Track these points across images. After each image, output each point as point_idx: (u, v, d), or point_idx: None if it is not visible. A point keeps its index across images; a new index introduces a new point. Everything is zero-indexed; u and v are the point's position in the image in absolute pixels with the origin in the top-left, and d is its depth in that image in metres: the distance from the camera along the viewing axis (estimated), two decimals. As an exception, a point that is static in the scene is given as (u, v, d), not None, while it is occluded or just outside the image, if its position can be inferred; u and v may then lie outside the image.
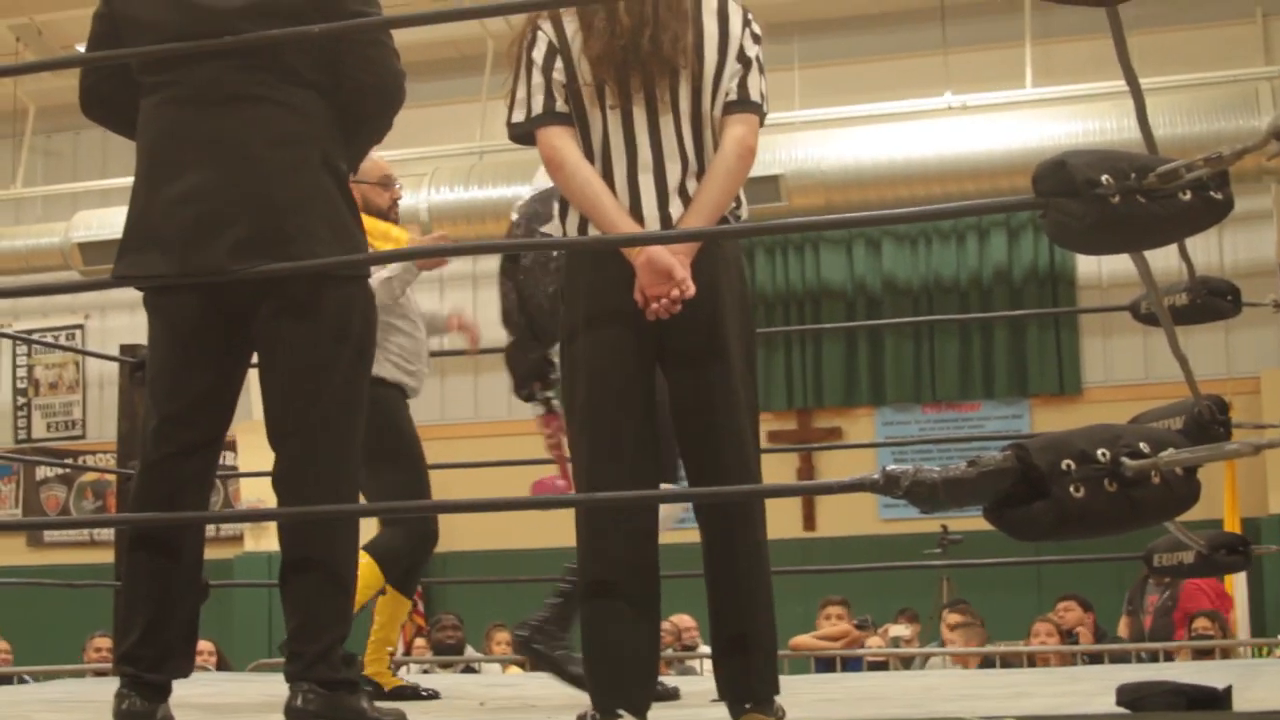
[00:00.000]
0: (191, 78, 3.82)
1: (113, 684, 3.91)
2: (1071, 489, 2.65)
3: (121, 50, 3.89)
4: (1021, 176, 11.74)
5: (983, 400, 14.19)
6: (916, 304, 14.26)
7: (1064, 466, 2.65)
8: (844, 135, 13.17)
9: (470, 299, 14.63)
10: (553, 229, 4.95)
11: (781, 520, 13.49)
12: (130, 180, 3.96)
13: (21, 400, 16.67)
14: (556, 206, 3.91)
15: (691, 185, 3.77)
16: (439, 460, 5.72)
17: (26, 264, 14.99)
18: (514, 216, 5.53)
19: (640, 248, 3.62)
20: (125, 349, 6.89)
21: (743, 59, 3.82)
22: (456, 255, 5.37)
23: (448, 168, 13.91)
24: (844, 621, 10.46)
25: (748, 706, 3.67)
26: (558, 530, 13.91)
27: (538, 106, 3.80)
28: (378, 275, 5.24)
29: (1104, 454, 2.66)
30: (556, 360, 5.23)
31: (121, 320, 15.70)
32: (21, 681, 9.21)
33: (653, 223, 3.73)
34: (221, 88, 3.80)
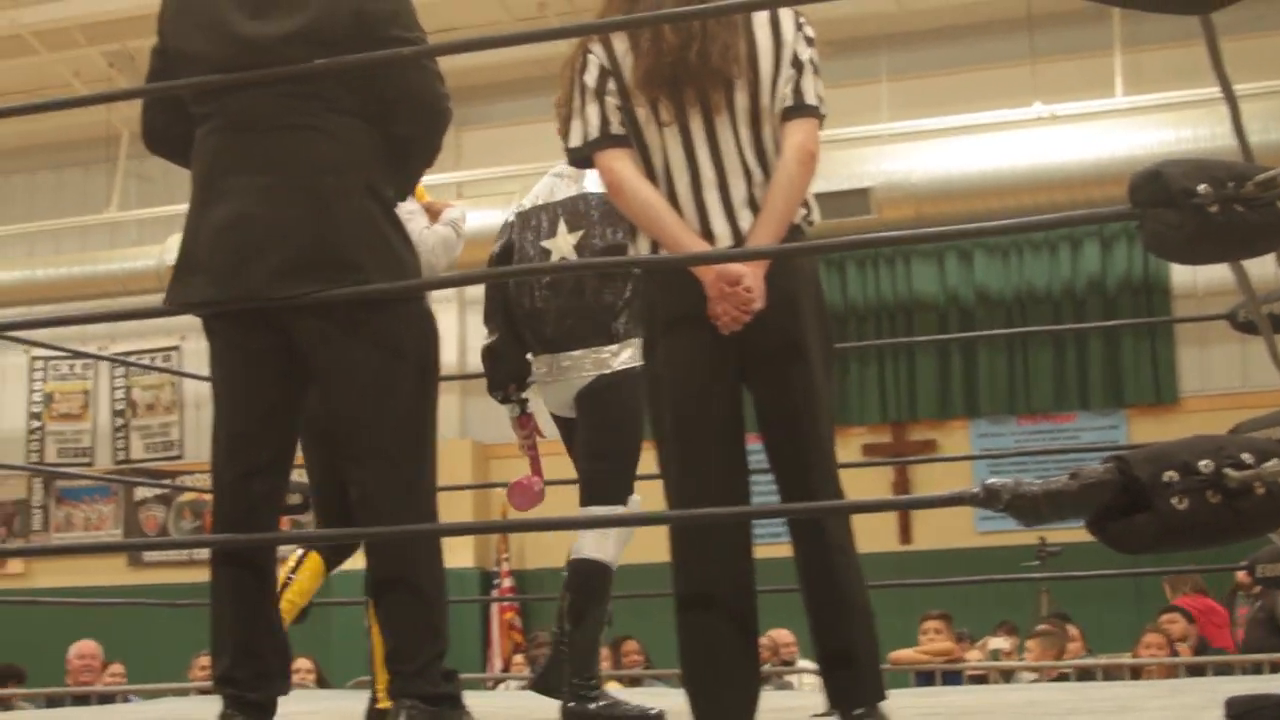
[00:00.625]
0: (237, 107, 3.89)
1: (216, 702, 3.95)
2: (1174, 501, 2.62)
3: (200, 79, 3.92)
4: (1112, 186, 11.79)
5: (1078, 411, 14.07)
6: (1009, 315, 14.16)
7: (1166, 478, 2.63)
8: (933, 147, 13.12)
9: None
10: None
11: (878, 534, 13.43)
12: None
13: (120, 422, 16.83)
14: (625, 231, 3.91)
15: (758, 196, 3.76)
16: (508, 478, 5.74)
17: (123, 287, 15.15)
18: (510, 217, 5.54)
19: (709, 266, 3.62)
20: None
21: (796, 64, 3.81)
22: (513, 277, 5.36)
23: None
24: (943, 636, 10.38)
25: (857, 713, 3.65)
26: (652, 546, 13.87)
27: (594, 130, 3.80)
28: (434, 234, 5.25)
29: (1207, 465, 2.64)
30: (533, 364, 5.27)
31: (217, 342, 15.81)
32: (126, 700, 9.30)
33: (723, 238, 3.73)
34: (266, 116, 3.86)
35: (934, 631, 10.35)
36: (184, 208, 12.52)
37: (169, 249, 14.87)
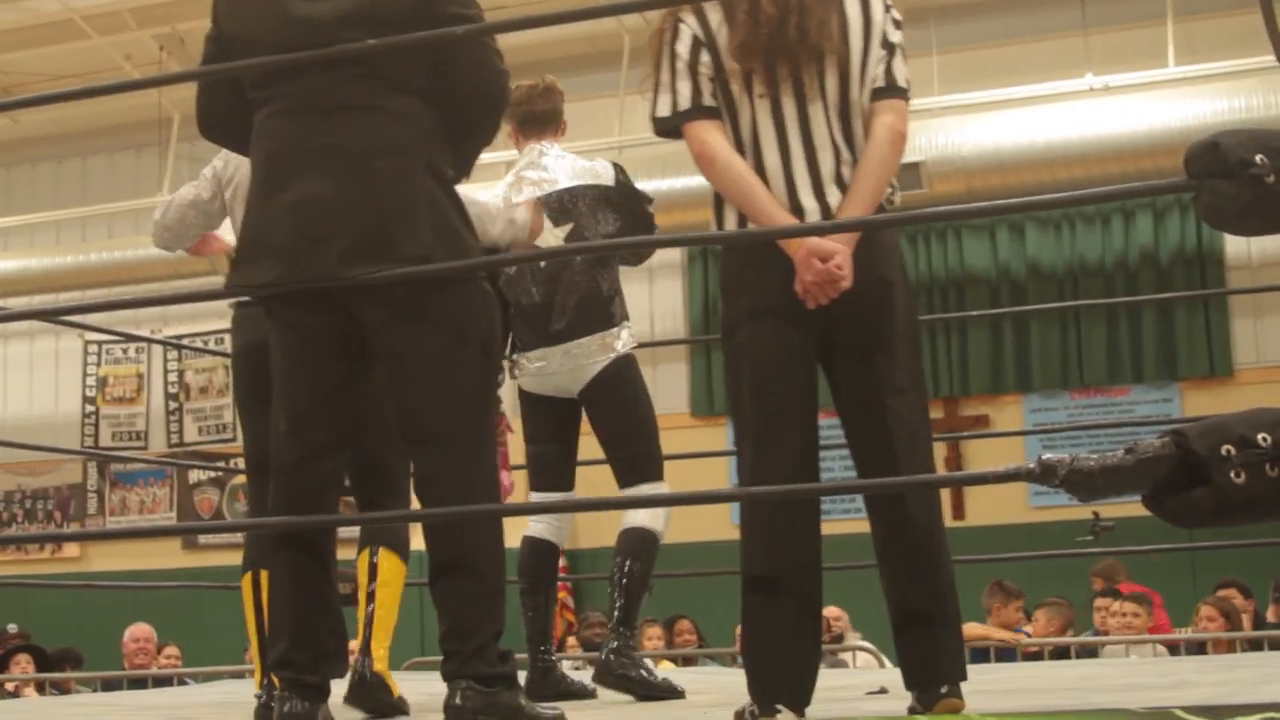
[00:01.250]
0: (297, 89, 3.88)
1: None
2: (1232, 474, 2.61)
3: (254, 60, 3.91)
4: (1166, 157, 11.71)
5: (1132, 384, 13.99)
6: (1062, 288, 14.09)
7: (1224, 452, 2.61)
8: (984, 120, 13.04)
9: (646, 291, 14.72)
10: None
11: (930, 510, 13.37)
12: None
13: (173, 405, 16.91)
14: (712, 200, 3.88)
15: (845, 173, 3.75)
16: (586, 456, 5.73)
17: (175, 270, 15.20)
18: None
19: (799, 238, 3.61)
20: (274, 352, 6.96)
21: (887, 45, 3.81)
22: (585, 253, 5.36)
23: (665, 152, 13.92)
24: (1018, 613, 10.30)
25: (944, 690, 3.59)
26: (704, 524, 13.95)
27: (684, 100, 3.79)
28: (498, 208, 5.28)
29: (1265, 438, 2.62)
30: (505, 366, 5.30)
31: (269, 324, 15.87)
32: (182, 683, 9.35)
33: (812, 213, 3.71)
34: (327, 98, 3.86)
35: (997, 607, 10.27)
36: (235, 191, 12.37)
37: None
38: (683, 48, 3.80)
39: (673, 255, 15.02)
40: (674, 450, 6.86)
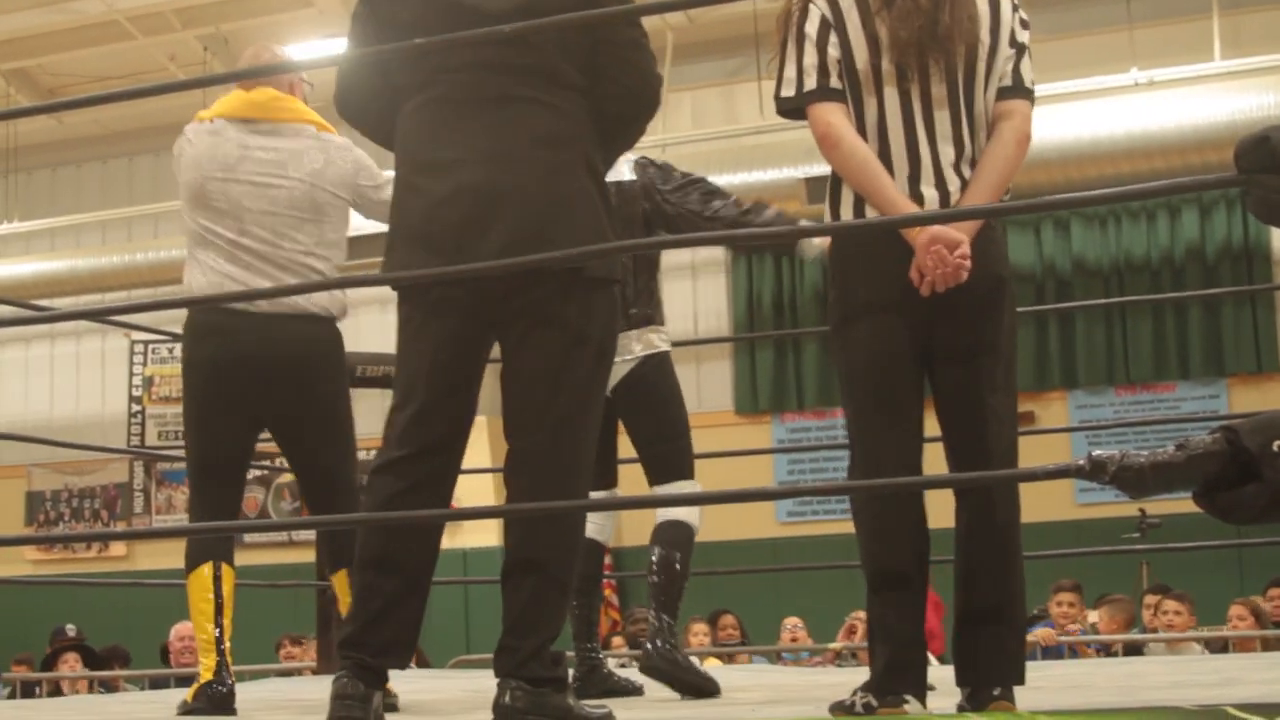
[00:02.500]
0: (456, 79, 3.84)
1: (320, 683, 3.94)
2: (1284, 471, 2.58)
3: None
4: (1212, 152, 11.66)
5: (1178, 381, 13.93)
6: (1107, 284, 14.03)
7: (1276, 448, 2.59)
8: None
9: (689, 289, 14.73)
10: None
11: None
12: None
13: (219, 404, 16.95)
14: (828, 187, 3.86)
15: (965, 169, 3.74)
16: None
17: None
18: None
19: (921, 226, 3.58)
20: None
21: (1015, 44, 3.82)
22: (698, 245, 5.33)
23: (726, 149, 14.04)
24: (1077, 608, 10.21)
25: (996, 693, 3.58)
26: (748, 523, 13.96)
27: (811, 82, 3.76)
28: None
29: (1316, 434, 2.60)
30: None
31: (314, 323, 15.92)
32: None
33: (931, 202, 3.69)
34: (485, 89, 3.82)
35: (1068, 604, 10.20)
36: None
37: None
38: (811, 29, 3.76)
39: (716, 253, 15.01)
40: (718, 448, 6.88)
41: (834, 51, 3.74)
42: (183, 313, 5.17)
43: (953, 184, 3.71)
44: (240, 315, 4.93)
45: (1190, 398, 13.89)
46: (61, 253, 16.61)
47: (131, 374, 17.22)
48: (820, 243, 5.19)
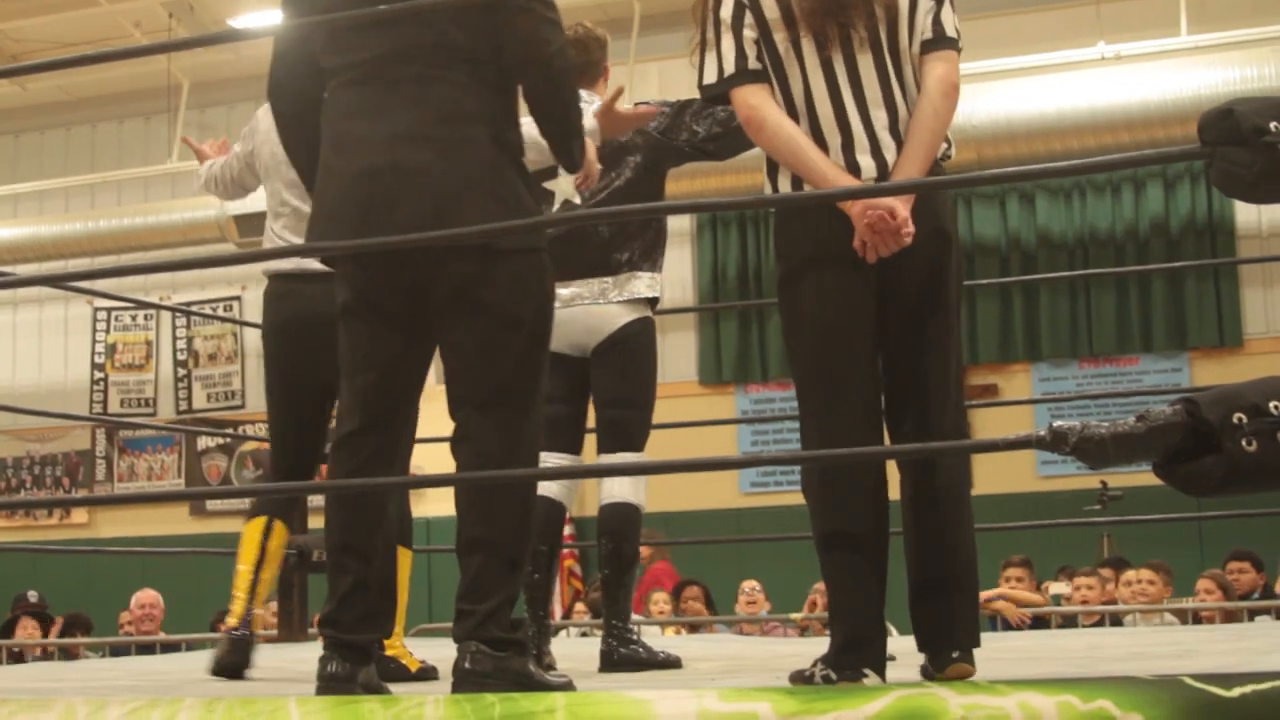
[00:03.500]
0: (365, 60, 3.88)
1: (275, 650, 3.95)
2: (1244, 443, 2.60)
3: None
4: (1178, 126, 11.68)
5: (1141, 354, 13.99)
6: (1072, 258, 14.09)
7: (1235, 420, 2.61)
8: (995, 89, 12.98)
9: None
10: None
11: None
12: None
13: (182, 372, 16.94)
14: (764, 168, 3.86)
15: (901, 130, 3.73)
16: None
17: (184, 237, 15.23)
18: None
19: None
20: (283, 319, 6.94)
21: None
22: (644, 215, 5.28)
23: None
24: (1025, 585, 10.22)
25: (955, 655, 3.63)
26: (711, 493, 13.97)
27: (730, 66, 3.77)
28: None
29: (1276, 406, 2.61)
30: None
31: (278, 291, 15.89)
32: (189, 649, 9.37)
33: (868, 171, 3.69)
34: (393, 69, 3.85)
35: (1015, 580, 10.23)
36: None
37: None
38: (726, 12, 3.77)
39: (682, 223, 15.01)
40: (682, 418, 6.88)
41: (750, 32, 3.75)
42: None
43: (888, 150, 3.72)
44: (305, 280, 5.05)
45: (1153, 370, 13.95)
46: (24, 219, 16.53)
47: (94, 341, 17.18)
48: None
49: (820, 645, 3.83)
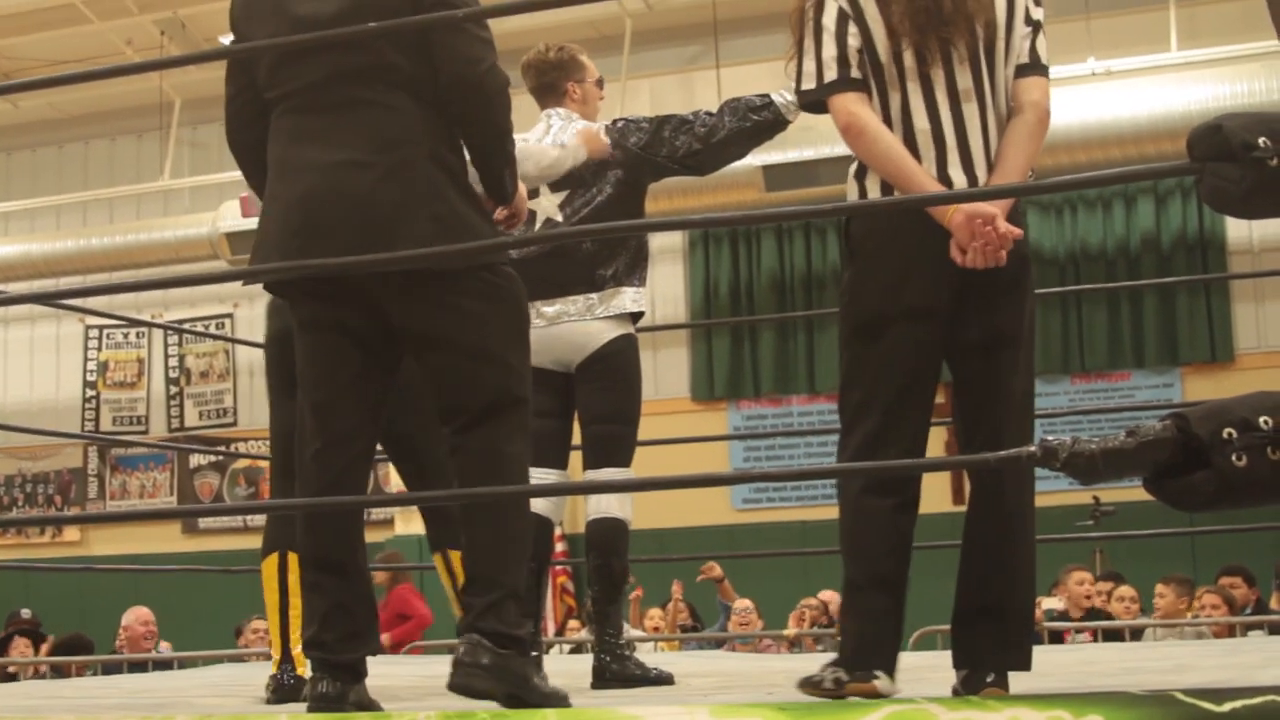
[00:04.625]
0: (299, 87, 3.92)
1: (266, 668, 3.94)
2: (1234, 458, 2.60)
3: (244, 45, 3.98)
4: (1168, 142, 11.70)
5: (1133, 370, 14.00)
6: (1063, 273, 14.09)
7: (1225, 435, 2.61)
8: (986, 105, 13.02)
9: (646, 275, 14.67)
10: None
11: (930, 495, 13.31)
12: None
13: (174, 389, 16.93)
14: (852, 172, 3.84)
15: (993, 148, 3.74)
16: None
17: (176, 254, 15.24)
18: None
19: (955, 205, 3.57)
20: (275, 337, 6.95)
21: (1030, 21, 3.81)
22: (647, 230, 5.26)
23: None
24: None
25: (990, 679, 3.58)
26: (704, 509, 13.92)
27: (831, 73, 3.75)
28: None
29: (1266, 421, 2.62)
30: None
31: (269, 308, 15.89)
32: (182, 667, 9.35)
33: (960, 186, 3.68)
34: (327, 95, 3.88)
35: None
36: (236, 174, 12.64)
37: (222, 216, 14.96)
38: (829, 20, 3.76)
39: (674, 240, 15.03)
40: (674, 434, 6.89)
41: (854, 41, 3.74)
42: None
43: (980, 168, 3.71)
44: None
45: (1145, 386, 13.96)
46: (16, 237, 16.52)
47: (86, 359, 17.16)
48: (793, 99, 5.13)
49: (813, 660, 3.82)
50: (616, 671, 5.09)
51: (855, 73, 3.74)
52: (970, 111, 3.72)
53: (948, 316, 3.70)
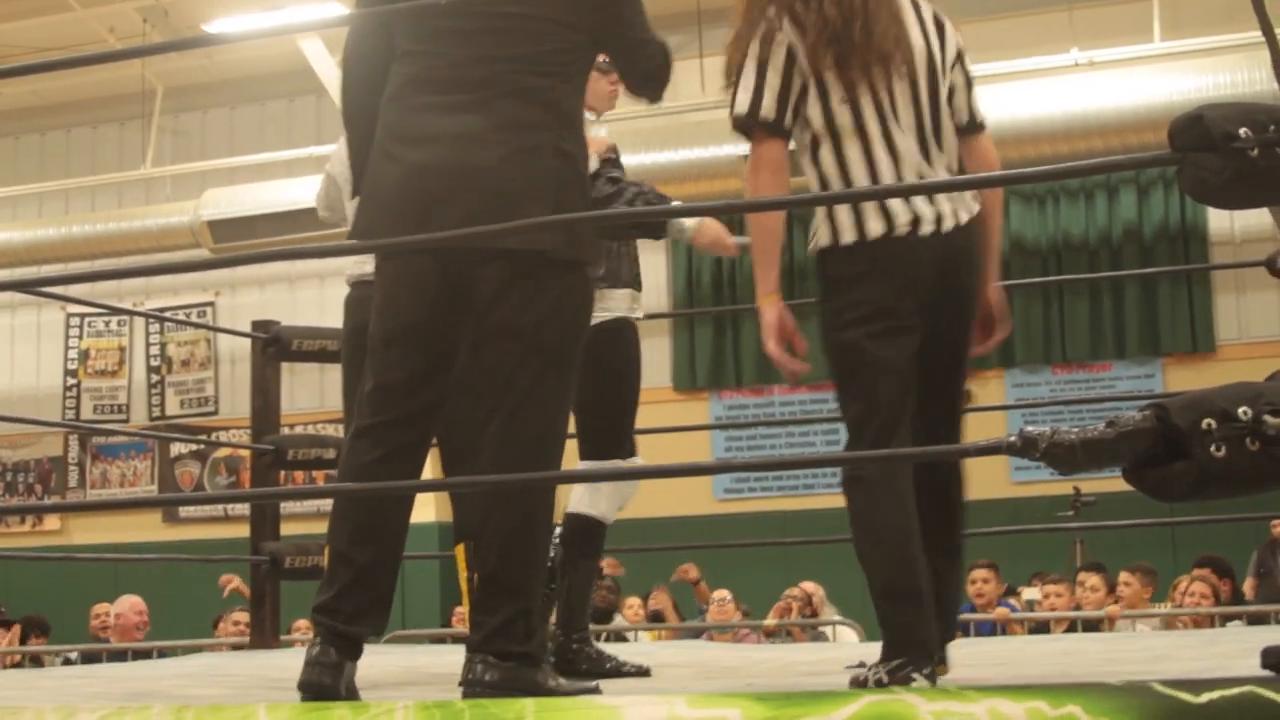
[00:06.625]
0: (443, 56, 3.89)
1: (247, 657, 3.92)
2: (1213, 448, 2.60)
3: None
4: (1150, 133, 11.72)
5: (1114, 360, 14.03)
6: (1045, 264, 14.12)
7: (1205, 425, 2.60)
8: (969, 95, 13.03)
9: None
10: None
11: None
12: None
13: (155, 378, 16.90)
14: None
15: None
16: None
17: (158, 243, 15.22)
18: None
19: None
20: (256, 325, 6.94)
21: (965, 75, 4.07)
22: (667, 216, 5.24)
23: (666, 125, 13.96)
24: (991, 585, 10.28)
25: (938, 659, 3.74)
26: (686, 499, 13.92)
27: (766, 110, 3.85)
28: None
29: (1245, 412, 2.61)
30: None
31: (251, 297, 15.90)
32: (162, 656, 9.33)
33: (904, 221, 3.80)
34: (468, 70, 3.86)
35: (982, 581, 10.26)
36: (218, 163, 12.59)
37: (204, 204, 14.92)
38: (777, 57, 3.85)
39: (656, 230, 15.01)
40: (656, 424, 6.86)
41: (799, 79, 3.84)
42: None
43: (923, 205, 3.83)
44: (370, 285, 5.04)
45: (1126, 377, 13.99)
46: (-3, 224, 16.51)
47: (67, 347, 17.13)
48: (692, 227, 5.18)
49: (791, 652, 3.82)
50: (586, 668, 5.08)
51: (788, 121, 3.86)
52: (907, 148, 3.86)
53: (922, 332, 3.86)
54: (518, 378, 3.83)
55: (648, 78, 4.16)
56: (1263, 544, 11.18)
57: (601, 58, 5.47)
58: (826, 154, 3.85)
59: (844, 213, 3.83)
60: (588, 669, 5.04)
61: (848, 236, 3.83)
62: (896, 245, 3.78)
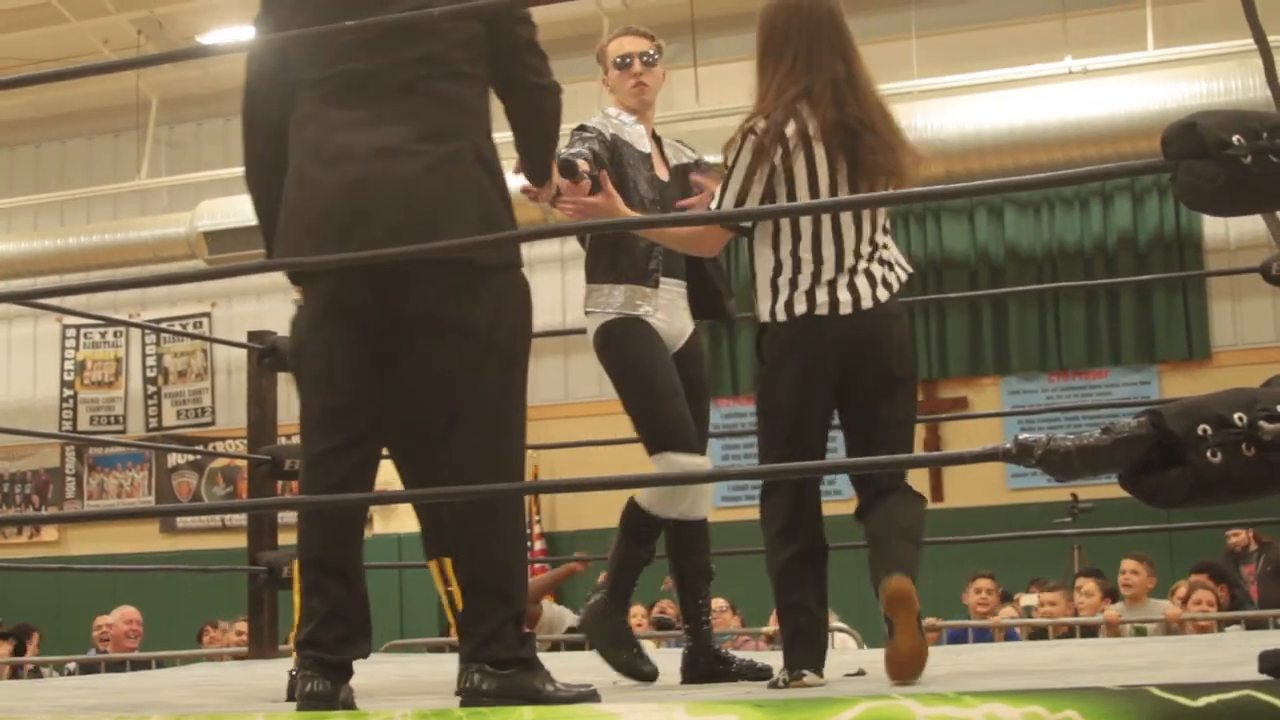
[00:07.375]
0: (348, 72, 3.87)
1: (244, 667, 3.92)
2: (1208, 454, 2.60)
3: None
4: (1144, 140, 11.73)
5: (1110, 367, 14.03)
6: (1040, 271, 14.13)
7: (1200, 432, 2.61)
8: (963, 103, 13.05)
9: (558, 282, 14.64)
10: None
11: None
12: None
13: (152, 389, 16.89)
14: (768, 279, 4.50)
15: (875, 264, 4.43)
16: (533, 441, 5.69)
17: (154, 254, 15.22)
18: None
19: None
20: (253, 335, 6.94)
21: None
22: (615, 229, 5.23)
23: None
24: (994, 595, 10.29)
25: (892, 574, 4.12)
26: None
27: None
28: None
29: (1241, 418, 2.62)
30: None
31: (248, 307, 15.89)
32: (160, 666, 9.34)
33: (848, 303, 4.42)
34: (380, 79, 3.85)
35: (986, 591, 10.27)
36: (213, 174, 12.58)
37: (200, 215, 14.92)
38: (761, 173, 4.38)
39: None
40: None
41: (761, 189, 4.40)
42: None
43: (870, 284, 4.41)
44: None
45: (1122, 384, 13.99)
46: (-8, 236, 16.50)
47: (64, 359, 17.12)
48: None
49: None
50: (611, 635, 5.15)
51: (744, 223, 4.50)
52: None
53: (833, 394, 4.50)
54: (481, 382, 3.83)
55: (522, 85, 4.07)
56: (1223, 554, 11.22)
57: (615, 54, 5.46)
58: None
59: (783, 290, 4.51)
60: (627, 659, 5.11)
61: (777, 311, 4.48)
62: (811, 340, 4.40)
